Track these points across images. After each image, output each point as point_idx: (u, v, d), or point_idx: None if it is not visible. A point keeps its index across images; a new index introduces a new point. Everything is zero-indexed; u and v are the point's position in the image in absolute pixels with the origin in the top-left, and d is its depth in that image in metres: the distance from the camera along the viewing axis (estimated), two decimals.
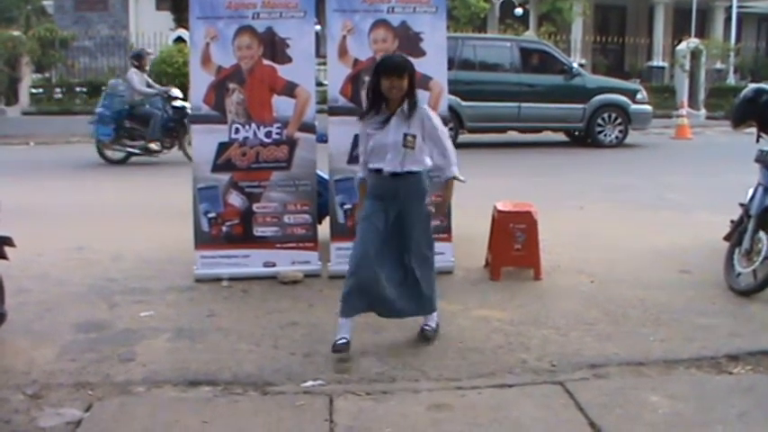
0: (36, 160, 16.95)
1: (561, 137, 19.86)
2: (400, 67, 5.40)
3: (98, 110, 15.23)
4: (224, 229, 7.28)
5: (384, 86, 5.38)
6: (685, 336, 5.91)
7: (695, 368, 5.39)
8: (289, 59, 7.18)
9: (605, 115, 18.63)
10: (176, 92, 15.70)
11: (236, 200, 7.27)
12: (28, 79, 25.35)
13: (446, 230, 7.44)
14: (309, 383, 5.06)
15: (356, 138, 7.08)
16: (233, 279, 7.16)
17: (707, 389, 5.05)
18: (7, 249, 5.78)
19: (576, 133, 19.29)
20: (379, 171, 5.52)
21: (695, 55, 27.28)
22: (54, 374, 5.20)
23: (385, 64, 5.49)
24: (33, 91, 25.56)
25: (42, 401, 4.83)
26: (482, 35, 25.75)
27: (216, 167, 7.22)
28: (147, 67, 17.21)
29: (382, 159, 5.48)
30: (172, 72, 23.59)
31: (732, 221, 7.38)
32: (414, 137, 5.42)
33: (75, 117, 23.32)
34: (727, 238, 7.33)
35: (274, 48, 7.19)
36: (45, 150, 18.97)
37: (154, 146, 15.46)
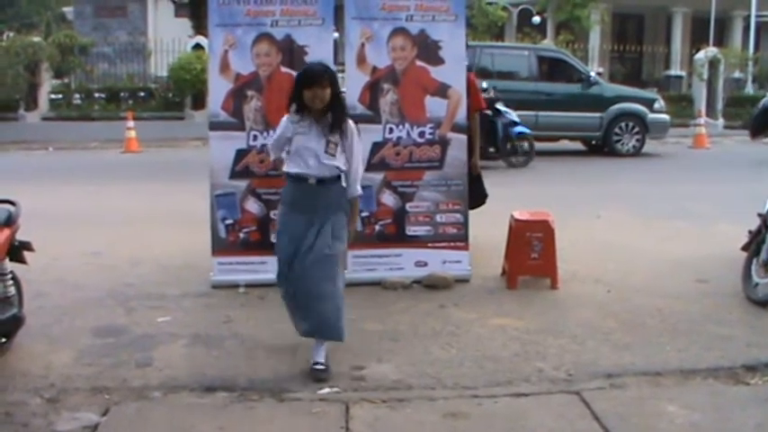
0: (55, 165, 17.06)
1: (578, 146, 19.81)
2: (321, 77, 5.24)
3: None
4: (241, 235, 7.30)
5: (307, 97, 5.24)
6: (702, 346, 5.88)
7: (712, 378, 5.37)
8: None
9: (623, 124, 18.59)
10: None
11: (253, 206, 7.28)
12: (47, 85, 25.48)
13: (463, 239, 7.45)
14: (326, 390, 5.07)
15: (374, 146, 7.15)
16: (250, 285, 7.18)
17: (724, 399, 5.03)
18: (26, 254, 5.83)
19: (594, 142, 19.25)
20: (300, 176, 5.35)
21: (713, 64, 27.16)
22: (71, 379, 5.23)
23: (306, 75, 5.32)
24: (53, 97, 25.69)
25: (60, 405, 4.86)
26: (500, 44, 25.75)
27: (234, 174, 7.24)
28: None
29: (300, 163, 5.33)
30: (190, 79, 23.69)
31: (750, 231, 7.34)
32: (336, 144, 5.31)
33: (94, 123, 23.53)
34: (744, 248, 7.29)
35: (293, 55, 7.20)
36: (64, 155, 19.08)
37: None
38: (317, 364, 5.32)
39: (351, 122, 5.46)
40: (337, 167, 5.33)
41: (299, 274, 5.29)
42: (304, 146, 5.31)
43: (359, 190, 5.56)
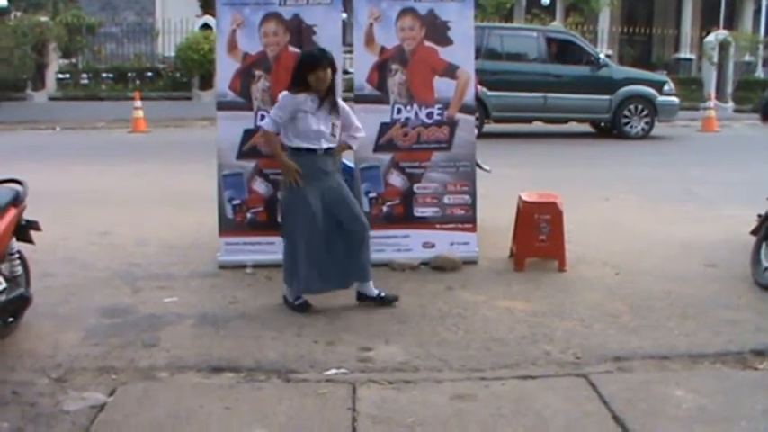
0: (62, 145, 17.08)
1: (587, 128, 19.75)
2: (323, 60, 5.89)
3: None
4: (248, 216, 7.28)
5: (311, 80, 5.87)
6: (711, 330, 5.86)
7: (720, 363, 5.34)
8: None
9: (632, 107, 18.53)
10: None
11: (260, 187, 7.26)
12: (55, 65, 25.49)
13: (471, 221, 7.43)
14: (332, 371, 5.06)
15: (382, 126, 7.13)
16: (257, 266, 7.18)
17: (732, 384, 5.01)
18: (33, 233, 5.83)
19: (602, 125, 19.21)
20: (311, 150, 5.99)
21: (723, 47, 27.04)
22: (78, 358, 5.24)
23: (310, 59, 5.96)
24: (60, 76, 25.69)
25: (67, 385, 4.86)
26: (509, 25, 25.61)
27: (241, 154, 7.22)
28: None
29: (308, 139, 5.97)
30: (197, 59, 23.65)
31: (759, 216, 7.30)
32: (337, 126, 6.10)
33: (102, 103, 23.52)
34: (754, 232, 7.25)
35: (301, 35, 7.16)
36: (71, 135, 19.11)
37: None
38: (381, 293, 6.26)
39: (339, 100, 6.21)
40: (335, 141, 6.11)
41: (340, 225, 6.04)
42: (312, 128, 5.93)
43: (355, 145, 6.49)
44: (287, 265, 6.17)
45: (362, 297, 6.26)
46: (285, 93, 6.04)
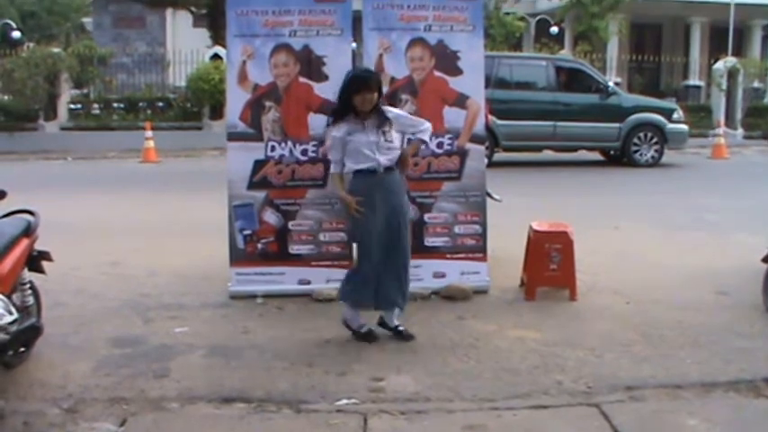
0: (73, 175, 17.18)
1: (597, 156, 19.75)
2: (370, 82, 5.91)
3: None
4: (259, 246, 7.30)
5: (356, 101, 5.85)
6: (723, 358, 5.82)
7: (733, 392, 5.31)
8: (325, 77, 7.18)
9: (641, 134, 18.52)
10: None
11: (271, 217, 7.28)
12: (67, 95, 25.60)
13: (481, 250, 7.43)
14: (343, 402, 5.05)
15: None
16: (268, 296, 7.18)
17: (745, 413, 4.99)
18: (45, 264, 5.85)
19: (612, 152, 19.19)
20: (370, 171, 5.94)
21: (732, 74, 27.03)
22: (89, 389, 5.24)
23: (355, 80, 5.93)
24: (72, 107, 25.80)
25: (78, 416, 4.86)
26: (518, 54, 25.72)
27: (252, 185, 7.24)
28: None
29: (366, 158, 5.92)
30: (208, 89, 23.75)
31: None
32: (389, 132, 5.96)
33: (113, 133, 23.63)
34: (765, 259, 7.21)
35: (311, 66, 7.20)
36: (82, 165, 19.22)
37: None
38: (399, 327, 6.20)
39: (386, 107, 6.12)
40: (395, 153, 5.99)
41: (391, 248, 6.01)
42: (364, 141, 5.90)
43: (427, 137, 6.20)
44: (351, 283, 6.16)
45: (383, 324, 6.24)
46: (330, 133, 6.07)
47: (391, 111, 6.10)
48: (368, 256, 6.03)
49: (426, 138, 6.19)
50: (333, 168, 6.16)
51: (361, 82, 5.88)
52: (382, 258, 6.00)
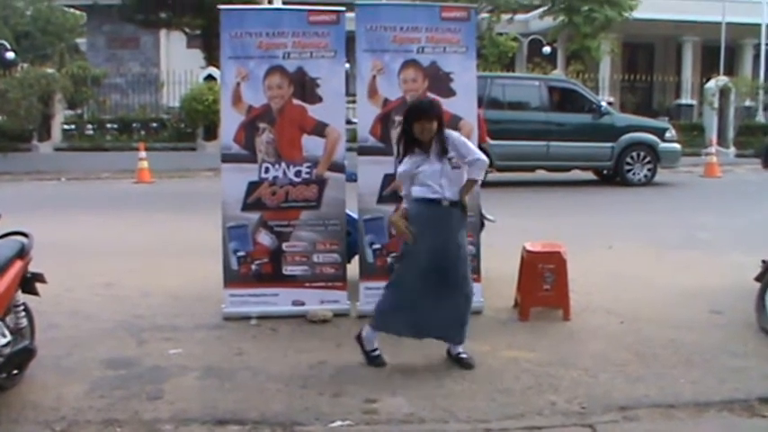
0: (67, 196, 17.16)
1: (590, 176, 19.81)
2: (430, 111, 5.84)
3: None
4: (253, 267, 7.30)
5: (416, 131, 5.80)
6: (717, 378, 5.83)
7: (727, 411, 5.32)
8: (319, 99, 7.22)
9: (634, 154, 18.59)
10: None
11: (265, 239, 7.29)
12: (60, 116, 25.65)
13: (475, 271, 7.41)
14: (338, 424, 5.04)
15: (386, 177, 7.15)
16: (262, 318, 7.18)
17: None
18: (38, 285, 5.85)
19: (605, 172, 19.24)
20: (433, 201, 5.85)
21: (724, 93, 27.18)
22: (82, 411, 5.22)
23: (415, 110, 5.91)
24: (65, 127, 25.84)
25: None
26: (511, 74, 25.82)
27: (246, 206, 7.25)
28: None
29: (430, 188, 5.83)
30: (202, 109, 23.79)
31: (764, 261, 7.29)
32: (454, 158, 5.84)
33: (107, 153, 23.66)
34: (758, 278, 7.24)
35: (304, 87, 7.24)
36: (76, 186, 19.21)
37: None
38: (461, 354, 6.09)
39: (448, 131, 5.99)
40: (461, 179, 5.91)
41: (449, 282, 5.89)
42: (429, 172, 5.84)
43: (479, 175, 5.97)
44: (383, 313, 6.07)
45: (450, 355, 6.15)
46: (399, 170, 6.04)
47: (451, 135, 5.97)
48: (404, 285, 5.96)
49: (476, 176, 5.99)
50: (403, 203, 6.14)
51: (419, 111, 5.88)
52: (428, 290, 5.90)
